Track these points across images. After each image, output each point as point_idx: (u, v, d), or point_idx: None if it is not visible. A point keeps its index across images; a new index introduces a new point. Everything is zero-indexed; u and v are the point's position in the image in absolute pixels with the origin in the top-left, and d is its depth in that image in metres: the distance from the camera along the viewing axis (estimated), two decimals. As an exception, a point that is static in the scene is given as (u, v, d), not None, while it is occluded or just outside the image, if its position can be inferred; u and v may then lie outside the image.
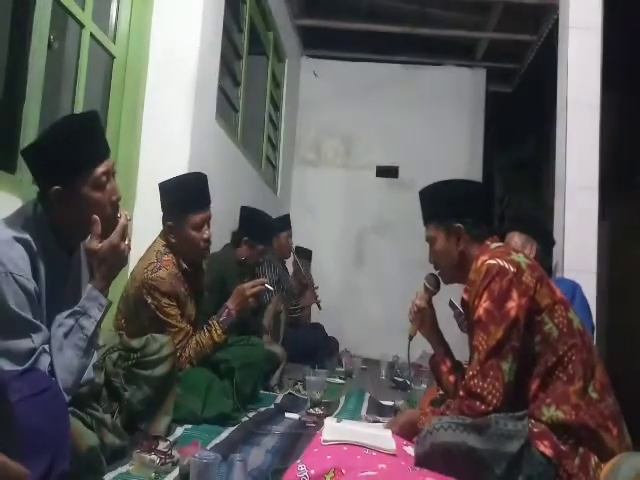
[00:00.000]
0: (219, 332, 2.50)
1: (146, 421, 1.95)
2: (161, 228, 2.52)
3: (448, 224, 1.88)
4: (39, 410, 1.16)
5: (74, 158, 1.50)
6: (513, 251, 1.80)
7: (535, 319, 1.67)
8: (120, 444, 1.71)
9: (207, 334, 2.50)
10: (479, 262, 1.76)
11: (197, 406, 2.28)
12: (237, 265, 3.47)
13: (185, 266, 2.49)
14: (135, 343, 1.99)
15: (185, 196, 2.45)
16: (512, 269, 1.68)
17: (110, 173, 1.57)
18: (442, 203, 1.92)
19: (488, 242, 1.87)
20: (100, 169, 1.53)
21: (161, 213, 2.50)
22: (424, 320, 2.07)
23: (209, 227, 2.50)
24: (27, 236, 1.44)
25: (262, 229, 3.53)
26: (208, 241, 2.49)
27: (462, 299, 1.86)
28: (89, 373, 1.69)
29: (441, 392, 2.09)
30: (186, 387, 2.26)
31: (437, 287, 2.07)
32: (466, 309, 1.86)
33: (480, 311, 1.68)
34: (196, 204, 2.45)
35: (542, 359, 1.65)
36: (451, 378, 1.98)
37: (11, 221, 1.49)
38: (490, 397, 1.60)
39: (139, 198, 3.07)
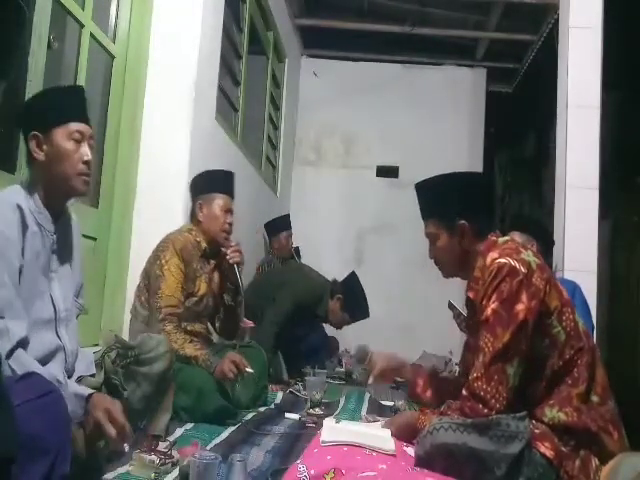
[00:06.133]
0: (203, 353, 2.42)
1: (146, 419, 1.95)
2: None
3: (450, 222, 1.80)
4: (40, 414, 1.16)
5: (51, 106, 1.62)
6: (522, 248, 1.74)
7: (544, 322, 1.63)
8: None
9: (198, 344, 2.47)
10: (488, 260, 1.70)
11: (187, 404, 2.29)
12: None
13: (205, 245, 2.64)
14: (132, 342, 1.99)
15: (214, 178, 2.73)
16: (523, 270, 1.63)
17: (85, 136, 1.62)
18: (442, 199, 1.82)
19: (493, 237, 1.80)
20: (75, 125, 1.60)
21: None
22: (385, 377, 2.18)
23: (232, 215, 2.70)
24: (18, 200, 1.51)
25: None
26: (230, 225, 2.68)
27: (467, 297, 1.81)
28: (90, 368, 1.69)
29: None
30: (177, 385, 2.23)
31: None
32: (471, 307, 1.82)
33: (488, 312, 1.64)
34: (222, 188, 2.70)
35: (549, 362, 1.63)
36: (428, 394, 2.00)
37: (6, 190, 1.59)
38: (493, 401, 1.59)
39: (139, 198, 3.07)
